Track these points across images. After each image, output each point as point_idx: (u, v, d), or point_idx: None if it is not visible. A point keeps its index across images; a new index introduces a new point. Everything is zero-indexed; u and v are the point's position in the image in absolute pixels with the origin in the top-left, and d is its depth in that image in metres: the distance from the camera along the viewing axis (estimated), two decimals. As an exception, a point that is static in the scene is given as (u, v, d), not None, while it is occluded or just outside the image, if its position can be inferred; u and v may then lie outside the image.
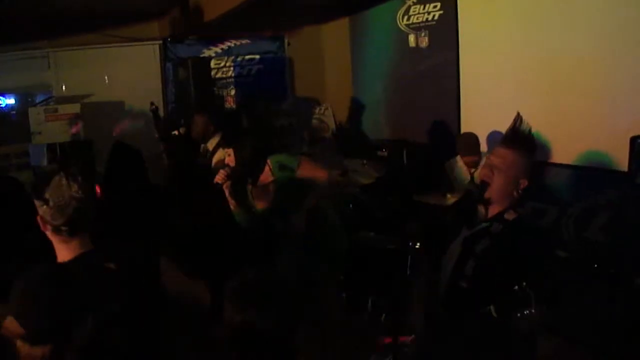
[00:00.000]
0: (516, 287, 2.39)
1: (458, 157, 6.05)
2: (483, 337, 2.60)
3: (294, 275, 4.76)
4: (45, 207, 2.37)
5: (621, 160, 4.60)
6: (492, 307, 2.49)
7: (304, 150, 8.68)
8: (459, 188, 5.84)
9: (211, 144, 5.75)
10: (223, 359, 2.24)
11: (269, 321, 2.14)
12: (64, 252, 2.44)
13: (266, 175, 4.72)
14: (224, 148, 4.95)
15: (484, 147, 6.03)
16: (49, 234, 2.43)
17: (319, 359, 4.35)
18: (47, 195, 2.37)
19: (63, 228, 2.38)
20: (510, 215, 2.78)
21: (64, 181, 2.38)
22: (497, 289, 2.47)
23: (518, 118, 2.89)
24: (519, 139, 2.84)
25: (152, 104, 6.57)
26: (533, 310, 2.35)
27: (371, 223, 6.07)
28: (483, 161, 5.64)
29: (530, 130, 2.84)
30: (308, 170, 4.81)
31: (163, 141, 6.64)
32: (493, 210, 2.80)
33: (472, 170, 5.84)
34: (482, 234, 2.79)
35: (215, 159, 5.63)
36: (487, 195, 2.80)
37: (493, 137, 6.04)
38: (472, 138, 5.93)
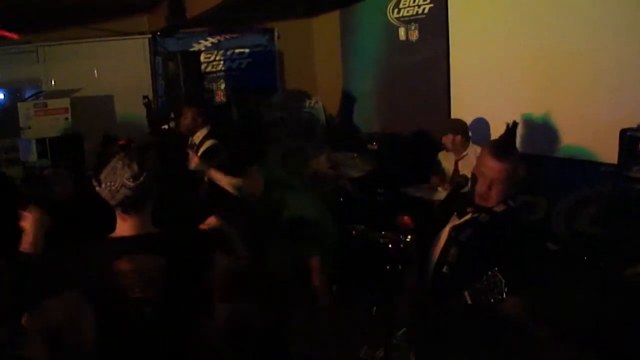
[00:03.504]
0: (489, 273, 2.43)
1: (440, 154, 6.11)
2: (468, 324, 2.62)
3: (284, 268, 4.77)
4: (99, 187, 2.46)
5: (611, 153, 4.62)
6: (466, 293, 2.53)
7: (293, 144, 8.68)
8: (449, 179, 5.87)
9: (198, 137, 5.73)
10: (215, 349, 2.24)
11: (260, 312, 2.15)
12: (121, 228, 2.53)
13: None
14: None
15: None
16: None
17: (311, 351, 4.35)
18: (101, 177, 2.45)
19: (117, 208, 2.48)
20: (499, 207, 2.80)
21: (119, 165, 2.44)
22: (475, 276, 2.51)
23: (513, 125, 2.91)
24: (510, 148, 2.86)
25: (144, 97, 6.55)
26: (504, 296, 2.38)
27: (362, 216, 6.07)
28: (472, 152, 5.66)
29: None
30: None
31: (154, 134, 6.62)
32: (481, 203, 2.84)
33: (458, 158, 5.85)
34: (469, 224, 2.82)
35: (201, 151, 5.62)
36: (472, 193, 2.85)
37: (478, 124, 6.09)
38: (457, 121, 6.01)
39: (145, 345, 2.43)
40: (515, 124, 2.91)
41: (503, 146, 2.87)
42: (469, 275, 2.55)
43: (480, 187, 2.81)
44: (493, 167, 2.83)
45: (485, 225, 2.76)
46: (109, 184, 2.43)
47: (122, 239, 2.49)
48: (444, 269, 2.83)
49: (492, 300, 2.43)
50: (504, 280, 2.39)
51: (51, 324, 2.15)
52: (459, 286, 2.59)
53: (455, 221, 2.93)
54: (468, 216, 2.88)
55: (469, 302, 2.54)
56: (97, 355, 2.32)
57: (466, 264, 2.67)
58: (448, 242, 2.87)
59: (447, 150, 5.98)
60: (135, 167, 2.44)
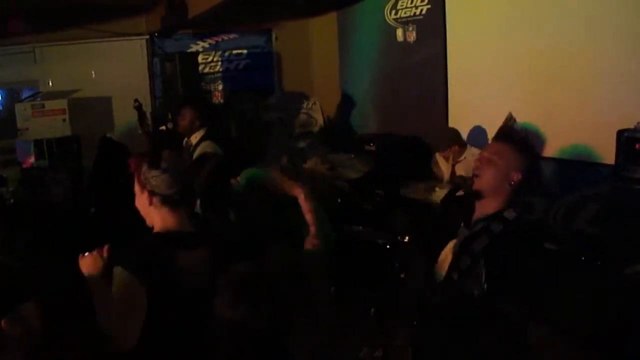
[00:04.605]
0: (473, 264, 2.45)
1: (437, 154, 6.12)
2: (467, 324, 2.60)
3: (283, 270, 4.76)
4: (163, 175, 2.53)
5: (609, 153, 4.63)
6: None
7: (290, 145, 8.68)
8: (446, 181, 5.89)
9: (195, 137, 5.73)
10: (216, 355, 2.23)
11: (262, 316, 2.14)
12: (167, 222, 2.59)
13: None
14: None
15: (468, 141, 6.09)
16: (154, 209, 2.60)
17: (309, 353, 4.34)
18: (164, 165, 2.53)
19: (175, 196, 2.55)
20: (510, 214, 2.77)
21: (173, 156, 2.59)
22: (487, 288, 2.50)
23: (510, 117, 2.91)
24: (511, 134, 2.86)
25: (135, 100, 6.56)
26: (485, 287, 2.41)
27: (360, 217, 6.08)
28: (469, 155, 5.67)
29: (524, 132, 2.88)
30: (278, 186, 4.85)
31: (147, 136, 6.62)
32: (487, 205, 2.81)
33: (455, 162, 5.86)
34: (481, 233, 2.78)
35: (197, 154, 5.62)
36: (477, 187, 2.81)
37: (476, 132, 6.09)
38: (450, 130, 6.02)
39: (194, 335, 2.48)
40: (512, 118, 2.93)
41: (502, 132, 2.90)
42: (480, 285, 2.55)
43: (486, 177, 2.80)
44: (490, 147, 2.88)
45: (501, 236, 2.72)
46: (173, 168, 2.53)
47: (179, 233, 2.57)
48: (454, 275, 2.80)
49: (474, 291, 2.45)
50: (484, 272, 2.42)
51: (32, 328, 2.16)
52: (467, 295, 2.59)
53: (465, 232, 2.89)
54: (479, 226, 2.84)
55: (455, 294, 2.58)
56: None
57: (479, 274, 2.64)
58: (460, 252, 2.83)
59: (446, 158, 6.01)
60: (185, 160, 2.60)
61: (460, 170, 5.65)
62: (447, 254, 2.90)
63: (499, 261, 2.57)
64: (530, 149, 2.86)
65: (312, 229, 4.53)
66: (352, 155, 6.78)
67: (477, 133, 6.23)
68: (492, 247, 2.65)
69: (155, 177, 2.53)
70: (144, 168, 2.55)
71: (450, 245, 2.90)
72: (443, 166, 6.07)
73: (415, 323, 2.88)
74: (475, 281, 2.48)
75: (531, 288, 2.51)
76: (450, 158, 5.95)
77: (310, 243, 4.39)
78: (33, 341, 2.18)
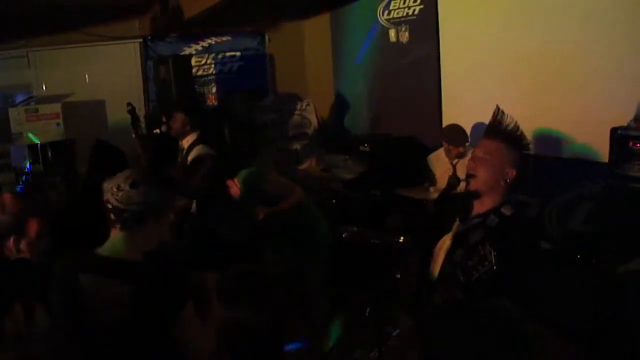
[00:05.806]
0: (479, 247, 2.46)
1: (440, 150, 6.05)
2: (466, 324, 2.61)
3: (280, 271, 4.77)
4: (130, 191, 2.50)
5: (602, 151, 4.65)
6: (459, 272, 2.61)
7: (285, 147, 8.69)
8: (440, 181, 5.87)
9: (187, 141, 5.71)
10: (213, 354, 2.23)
11: (259, 316, 2.14)
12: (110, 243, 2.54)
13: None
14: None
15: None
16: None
17: (306, 352, 4.35)
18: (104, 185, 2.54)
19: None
20: (507, 210, 2.79)
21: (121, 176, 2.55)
22: (481, 280, 2.50)
23: (498, 111, 2.93)
24: (500, 130, 2.87)
25: (128, 104, 6.56)
26: (495, 267, 2.42)
27: (355, 218, 6.08)
28: (469, 154, 5.66)
29: (514, 123, 2.87)
30: (277, 187, 4.87)
31: (140, 140, 6.61)
32: (484, 203, 2.82)
33: (455, 161, 5.84)
34: (477, 227, 2.79)
35: (190, 157, 5.60)
36: (473, 187, 2.82)
37: (476, 129, 6.06)
38: (459, 129, 5.94)
39: None
40: (500, 111, 2.94)
41: (492, 127, 2.91)
42: (474, 277, 2.55)
43: (480, 176, 2.81)
44: (483, 145, 2.90)
45: (497, 229, 2.74)
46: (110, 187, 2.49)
47: (99, 257, 2.47)
48: (448, 267, 2.80)
49: (483, 272, 2.46)
50: (494, 252, 2.42)
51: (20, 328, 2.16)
52: (462, 285, 2.60)
53: (460, 227, 2.89)
54: (474, 221, 2.85)
55: (462, 279, 2.57)
56: None
57: (473, 266, 2.65)
58: (455, 245, 2.84)
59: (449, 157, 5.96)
60: (134, 176, 2.50)
61: (461, 170, 5.64)
62: (440, 248, 2.91)
63: (492, 253, 2.58)
64: (521, 142, 2.87)
65: (277, 207, 4.63)
66: (347, 156, 6.78)
67: (478, 130, 6.21)
68: (487, 240, 2.66)
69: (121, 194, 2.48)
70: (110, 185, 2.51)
71: (444, 239, 2.91)
72: (438, 166, 6.06)
73: (414, 321, 2.89)
74: (482, 260, 2.49)
75: (525, 283, 2.51)
76: (453, 156, 5.92)
77: (260, 210, 4.52)
78: (21, 340, 2.18)
